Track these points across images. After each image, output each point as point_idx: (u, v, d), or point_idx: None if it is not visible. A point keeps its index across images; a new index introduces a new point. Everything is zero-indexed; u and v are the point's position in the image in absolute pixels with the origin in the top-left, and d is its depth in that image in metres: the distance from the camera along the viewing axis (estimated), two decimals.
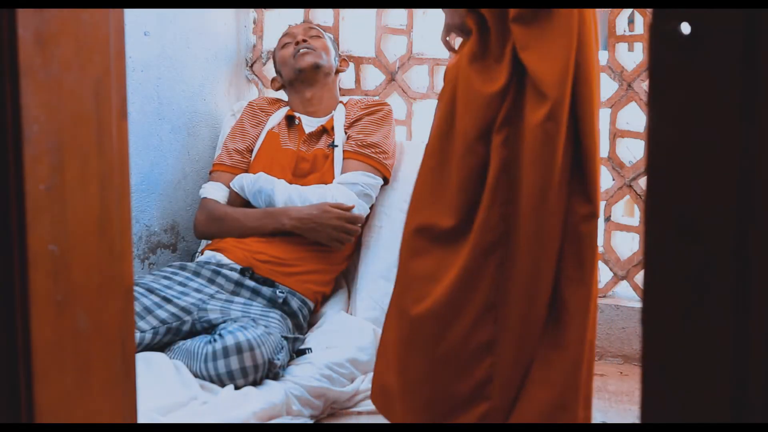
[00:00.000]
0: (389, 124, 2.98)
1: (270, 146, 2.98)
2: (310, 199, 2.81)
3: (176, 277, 2.70)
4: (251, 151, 3.01)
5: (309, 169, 2.92)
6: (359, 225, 2.84)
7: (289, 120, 3.04)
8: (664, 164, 0.80)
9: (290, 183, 2.88)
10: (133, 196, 3.00)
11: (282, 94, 3.21)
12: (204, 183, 3.06)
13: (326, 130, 2.99)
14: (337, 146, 2.93)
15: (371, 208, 2.97)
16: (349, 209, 2.79)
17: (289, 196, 2.82)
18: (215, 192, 2.94)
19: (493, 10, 1.91)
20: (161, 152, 3.09)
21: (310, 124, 3.02)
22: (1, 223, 0.89)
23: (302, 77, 3.02)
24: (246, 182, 2.89)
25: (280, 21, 3.41)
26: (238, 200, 2.93)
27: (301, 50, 3.01)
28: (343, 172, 2.89)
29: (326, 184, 2.88)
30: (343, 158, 2.91)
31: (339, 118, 3.00)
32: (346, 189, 2.83)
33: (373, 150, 2.90)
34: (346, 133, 2.97)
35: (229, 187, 2.94)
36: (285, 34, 3.12)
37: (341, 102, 3.09)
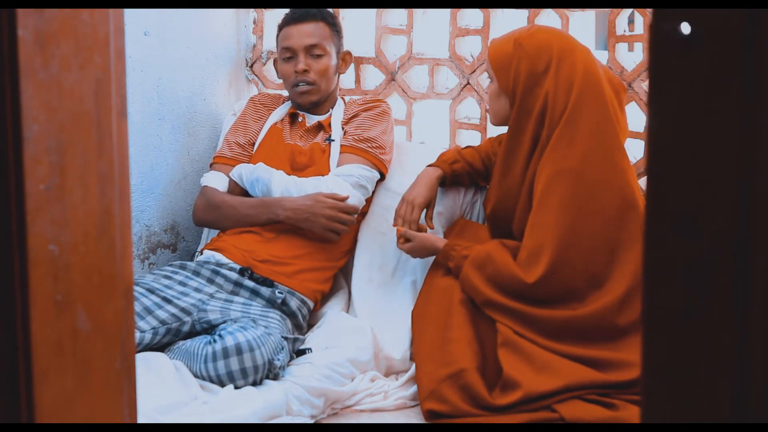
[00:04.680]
0: (386, 121, 2.98)
1: (272, 140, 2.98)
2: (306, 189, 2.81)
3: (176, 276, 2.70)
4: (253, 144, 3.02)
5: (306, 162, 2.93)
6: (354, 216, 2.84)
7: (292, 117, 3.04)
8: (664, 164, 0.80)
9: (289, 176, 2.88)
10: (133, 196, 3.00)
11: (281, 83, 3.21)
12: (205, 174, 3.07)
13: (323, 126, 2.99)
14: (333, 141, 2.93)
15: (369, 206, 2.97)
16: (343, 199, 2.79)
17: (286, 186, 2.83)
18: (215, 180, 2.95)
19: None
20: (161, 152, 3.09)
21: (310, 120, 3.03)
22: (1, 223, 0.89)
23: (299, 107, 3.02)
24: (244, 171, 2.90)
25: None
26: (236, 189, 2.93)
27: (299, 86, 2.96)
28: (339, 165, 2.89)
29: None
30: (340, 152, 2.91)
31: (337, 114, 3.00)
32: (341, 180, 2.83)
33: (369, 144, 2.90)
34: (343, 129, 2.97)
35: (229, 177, 2.95)
36: (285, 48, 2.97)
37: (342, 98, 3.09)
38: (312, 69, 2.94)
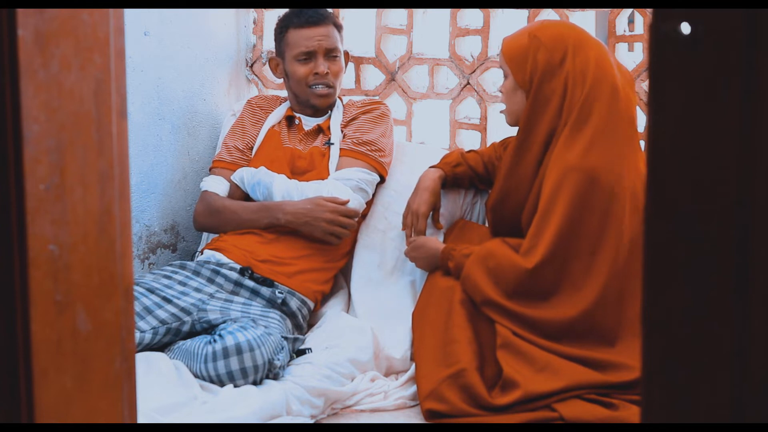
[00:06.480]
0: (385, 123, 2.98)
1: (270, 144, 2.98)
2: (307, 193, 2.81)
3: (176, 276, 2.70)
4: (251, 149, 3.02)
5: (306, 166, 2.92)
6: (355, 219, 2.84)
7: (289, 120, 3.04)
8: (664, 164, 0.80)
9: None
10: (133, 196, 3.00)
11: (280, 83, 3.19)
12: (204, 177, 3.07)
13: (322, 130, 2.99)
14: (333, 144, 2.93)
15: (369, 207, 2.96)
16: (344, 203, 2.79)
17: (287, 190, 2.83)
18: (216, 185, 2.95)
19: None
20: (161, 152, 3.09)
21: (308, 123, 3.02)
22: (1, 223, 0.89)
23: (312, 108, 3.01)
24: (246, 174, 2.90)
25: None
26: (237, 193, 2.93)
27: (319, 87, 2.95)
28: (338, 168, 2.89)
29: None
30: (339, 156, 2.90)
31: (336, 117, 3.00)
32: (341, 184, 2.83)
33: (368, 148, 2.89)
34: (342, 132, 2.96)
35: (229, 181, 2.95)
36: (304, 51, 2.93)
37: (340, 98, 3.08)
38: (331, 71, 2.95)
